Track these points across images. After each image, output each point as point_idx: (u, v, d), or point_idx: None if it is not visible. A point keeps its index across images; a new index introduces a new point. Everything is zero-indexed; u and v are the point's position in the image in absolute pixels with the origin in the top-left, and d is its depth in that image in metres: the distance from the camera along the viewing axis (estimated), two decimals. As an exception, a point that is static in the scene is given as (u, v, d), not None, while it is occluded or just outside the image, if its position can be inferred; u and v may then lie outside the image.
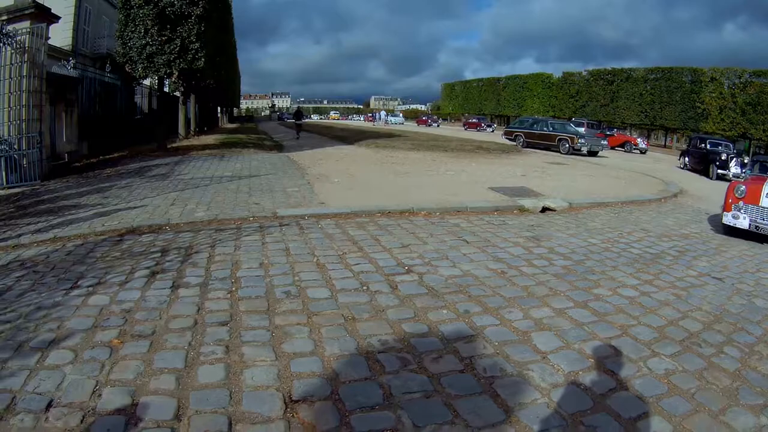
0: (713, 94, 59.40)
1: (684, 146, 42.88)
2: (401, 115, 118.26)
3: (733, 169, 24.88)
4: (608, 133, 47.97)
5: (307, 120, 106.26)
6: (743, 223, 10.91)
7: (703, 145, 29.12)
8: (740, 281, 7.73)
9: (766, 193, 10.86)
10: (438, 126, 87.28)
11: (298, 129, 39.19)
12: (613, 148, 43.81)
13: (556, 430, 3.68)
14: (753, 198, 11.04)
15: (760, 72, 55.97)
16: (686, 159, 31.19)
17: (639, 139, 48.84)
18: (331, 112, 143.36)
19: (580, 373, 4.50)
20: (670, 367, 4.75)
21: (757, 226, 10.75)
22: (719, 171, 25.86)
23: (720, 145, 28.75)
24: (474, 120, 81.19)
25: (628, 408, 4.00)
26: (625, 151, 44.11)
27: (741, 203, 11.16)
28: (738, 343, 5.41)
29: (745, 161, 23.48)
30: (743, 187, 11.28)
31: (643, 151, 44.83)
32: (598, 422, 3.80)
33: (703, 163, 27.91)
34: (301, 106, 42.72)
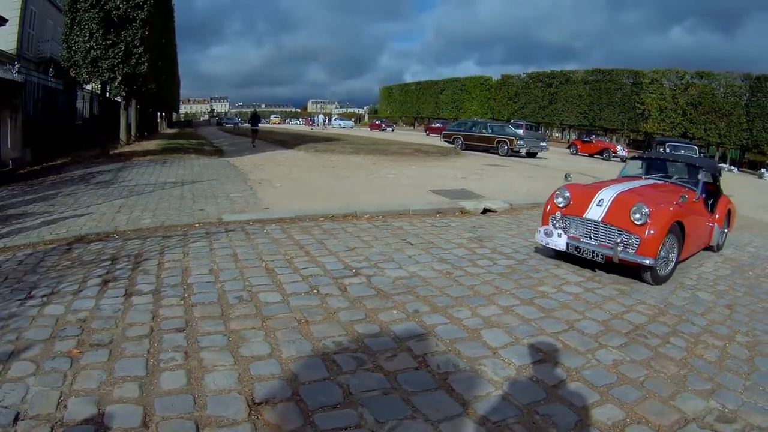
0: (653, 95, 61.05)
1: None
2: (351, 120, 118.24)
3: None
4: (585, 139, 47.14)
5: (245, 125, 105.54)
6: (559, 242, 8.10)
7: (661, 148, 25.93)
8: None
9: (598, 200, 8.06)
10: (392, 131, 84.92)
11: (253, 136, 34.68)
12: (591, 155, 43.68)
13: (513, 419, 3.85)
14: (578, 207, 8.24)
15: (702, 73, 58.00)
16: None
17: (619, 147, 46.21)
18: (272, 116, 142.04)
19: (531, 366, 4.70)
20: (618, 357, 4.99)
21: (577, 247, 7.93)
22: None
23: (682, 148, 25.67)
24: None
25: (580, 397, 4.21)
26: (603, 159, 41.85)
27: (558, 214, 8.40)
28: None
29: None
30: (568, 193, 8.46)
31: (623, 159, 36.20)
32: (552, 411, 3.99)
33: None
34: (256, 109, 38.79)
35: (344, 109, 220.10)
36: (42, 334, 4.89)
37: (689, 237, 8.23)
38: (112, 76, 20.30)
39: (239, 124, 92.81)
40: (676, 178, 10.23)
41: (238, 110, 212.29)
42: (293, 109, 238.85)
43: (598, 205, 8.00)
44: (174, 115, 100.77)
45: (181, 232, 9.27)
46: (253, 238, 8.96)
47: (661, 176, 10.39)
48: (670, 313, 6.43)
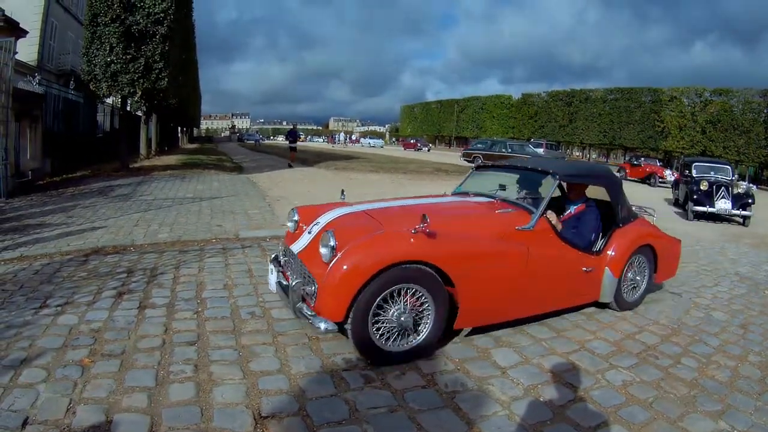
0: (673, 113, 60.64)
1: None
2: (380, 138, 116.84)
3: (720, 203, 17.88)
4: (635, 162, 40.12)
5: (267, 141, 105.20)
6: (271, 280, 5.82)
7: (687, 171, 21.42)
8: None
9: (312, 226, 5.77)
10: (429, 150, 79.63)
11: (292, 155, 30.83)
12: (641, 180, 37.21)
13: None
14: (297, 234, 6.08)
15: (721, 90, 57.58)
16: (677, 191, 22.70)
17: (667, 171, 37.07)
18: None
19: (540, 386, 4.67)
20: (628, 378, 4.95)
21: (285, 290, 5.47)
22: (696, 208, 18.09)
23: (713, 169, 20.74)
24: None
25: (587, 418, 4.18)
26: (649, 185, 35.42)
27: (281, 245, 6.62)
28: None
29: (741, 190, 18.45)
30: (297, 216, 6.35)
31: (674, 186, 26.59)
32: (558, 431, 3.97)
33: (695, 194, 18.64)
34: (295, 124, 32.68)
35: (366, 128, 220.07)
36: (55, 342, 4.94)
37: (471, 290, 5.20)
38: (132, 90, 20.40)
39: (260, 140, 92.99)
40: (525, 193, 6.96)
41: (259, 126, 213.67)
42: (315, 127, 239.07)
43: (309, 232, 5.72)
44: (194, 131, 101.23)
45: (198, 246, 9.34)
46: (269, 254, 8.93)
47: (500, 192, 6.99)
48: (683, 333, 6.38)
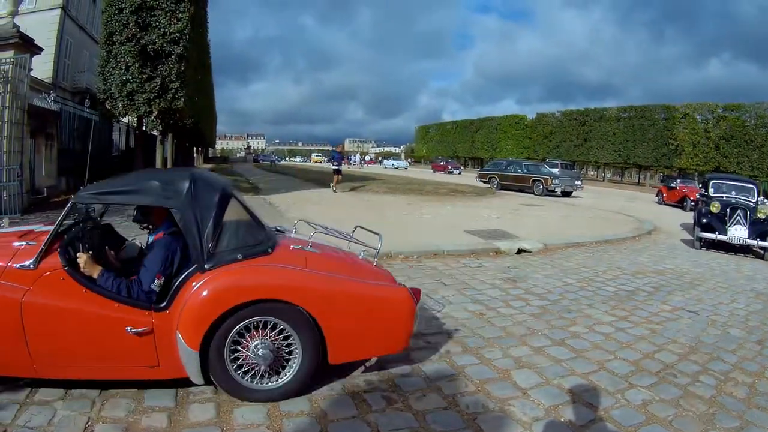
0: (686, 130, 60.32)
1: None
2: (403, 158, 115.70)
3: (734, 230, 14.74)
4: (671, 185, 35.22)
5: (283, 162, 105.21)
6: None
7: (704, 189, 18.72)
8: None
9: None
10: (460, 173, 73.02)
11: (336, 178, 27.59)
12: (677, 204, 32.39)
13: None
14: None
15: (733, 106, 57.19)
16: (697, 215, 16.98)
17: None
18: (314, 155, 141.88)
19: (560, 406, 4.63)
20: (647, 397, 4.90)
21: None
22: (703, 234, 15.19)
23: (735, 188, 17.62)
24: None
25: None
26: (682, 209, 30.09)
27: None
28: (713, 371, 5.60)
29: (763, 215, 14.66)
30: None
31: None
32: None
33: (704, 218, 15.62)
34: (341, 146, 27.94)
35: (381, 148, 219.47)
36: None
37: None
38: (148, 110, 20.41)
39: (276, 161, 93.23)
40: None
41: (275, 147, 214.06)
42: (330, 148, 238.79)
43: None
44: (210, 151, 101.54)
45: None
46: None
47: None
48: (701, 351, 6.34)
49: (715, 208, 15.34)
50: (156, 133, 31.25)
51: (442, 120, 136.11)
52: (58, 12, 31.03)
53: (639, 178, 69.76)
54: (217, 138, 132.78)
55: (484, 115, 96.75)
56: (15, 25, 14.17)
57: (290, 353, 4.57)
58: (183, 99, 21.11)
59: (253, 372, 4.45)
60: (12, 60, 13.52)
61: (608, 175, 78.97)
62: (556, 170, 39.35)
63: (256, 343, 4.42)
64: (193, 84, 25.45)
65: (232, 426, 3.99)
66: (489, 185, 36.63)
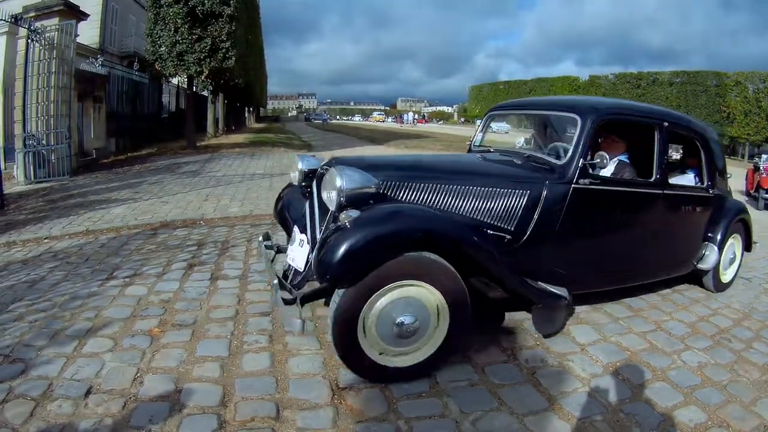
0: (738, 99, 58.76)
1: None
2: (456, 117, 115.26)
3: None
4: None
5: (335, 121, 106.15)
6: None
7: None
8: None
9: None
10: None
11: None
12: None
13: (598, 416, 3.65)
14: None
15: (786, 76, 55.57)
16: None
17: None
18: (375, 113, 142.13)
19: (618, 364, 4.47)
20: (703, 360, 4.71)
21: None
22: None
23: None
24: None
25: (664, 398, 4.00)
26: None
27: None
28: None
29: None
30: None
31: None
32: (636, 410, 3.79)
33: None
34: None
35: (434, 108, 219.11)
36: (122, 312, 4.79)
37: None
38: (198, 70, 20.40)
39: (328, 120, 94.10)
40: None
41: (326, 107, 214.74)
42: (382, 107, 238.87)
43: None
44: (261, 111, 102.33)
45: (270, 221, 9.06)
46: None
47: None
48: (754, 317, 6.00)
49: None
50: (207, 94, 31.33)
51: (499, 79, 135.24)
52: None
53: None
54: (268, 98, 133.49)
55: (541, 76, 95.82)
56: (59, -7, 14.17)
57: None
58: (234, 58, 21.04)
59: None
60: (57, 27, 13.62)
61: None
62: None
63: None
64: (243, 44, 25.39)
65: (287, 375, 3.82)
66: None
